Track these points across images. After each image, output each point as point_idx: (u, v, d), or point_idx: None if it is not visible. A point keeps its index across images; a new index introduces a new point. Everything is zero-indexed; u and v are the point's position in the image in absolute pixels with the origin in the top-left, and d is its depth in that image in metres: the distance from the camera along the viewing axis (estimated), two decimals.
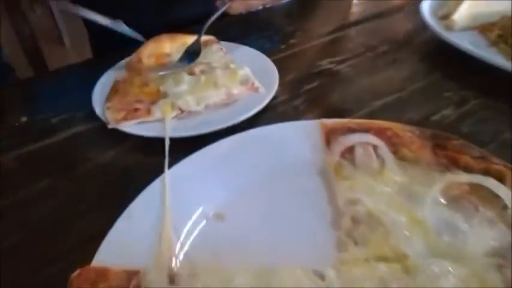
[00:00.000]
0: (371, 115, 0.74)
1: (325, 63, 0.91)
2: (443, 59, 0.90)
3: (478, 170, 0.52)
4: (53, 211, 0.58)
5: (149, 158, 0.65)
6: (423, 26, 0.94)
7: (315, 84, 0.84)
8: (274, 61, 0.86)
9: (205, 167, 0.58)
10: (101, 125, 0.71)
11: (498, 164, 0.52)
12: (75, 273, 0.42)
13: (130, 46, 0.89)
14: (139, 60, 0.80)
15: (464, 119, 0.73)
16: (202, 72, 0.80)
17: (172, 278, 0.42)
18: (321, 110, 0.76)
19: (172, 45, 0.85)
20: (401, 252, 0.44)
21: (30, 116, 0.78)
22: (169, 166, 0.58)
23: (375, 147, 0.57)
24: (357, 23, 1.10)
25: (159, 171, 0.57)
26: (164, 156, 0.61)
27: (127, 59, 0.81)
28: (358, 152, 0.57)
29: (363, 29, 1.06)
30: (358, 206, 0.49)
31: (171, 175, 0.56)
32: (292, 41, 1.02)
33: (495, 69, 0.78)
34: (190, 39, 0.88)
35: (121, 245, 0.47)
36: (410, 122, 0.71)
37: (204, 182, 0.56)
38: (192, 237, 0.50)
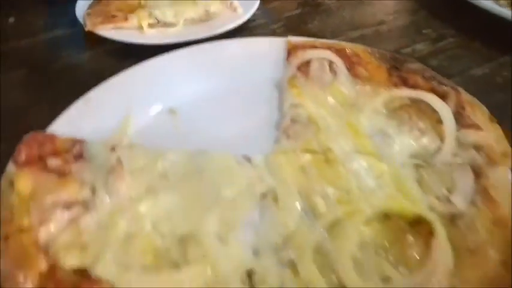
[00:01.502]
0: None
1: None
2: None
3: (425, 88, 0.53)
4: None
5: (121, 63, 0.68)
6: None
7: (296, 12, 0.85)
8: None
9: (170, 68, 0.60)
10: (82, 30, 0.73)
11: (446, 85, 0.54)
12: (26, 136, 0.46)
13: None
14: None
15: (436, 54, 0.73)
16: None
17: (113, 148, 0.45)
18: (297, 36, 0.76)
19: None
20: (327, 147, 0.46)
21: (17, 17, 0.81)
22: None
23: (331, 63, 0.58)
24: None
25: None
26: (135, 63, 0.64)
27: None
28: (314, 65, 0.58)
29: None
30: (300, 109, 0.52)
31: (136, 70, 0.59)
32: None
33: (480, 11, 0.76)
34: None
35: (74, 124, 0.50)
36: None
37: (165, 82, 0.59)
38: (142, 126, 0.53)
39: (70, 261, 0.35)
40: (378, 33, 0.78)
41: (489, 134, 0.47)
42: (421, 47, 0.75)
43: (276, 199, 0.41)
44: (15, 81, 0.65)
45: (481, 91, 0.64)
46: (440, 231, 0.37)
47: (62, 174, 0.42)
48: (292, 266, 0.36)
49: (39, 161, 0.44)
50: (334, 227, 0.39)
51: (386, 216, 0.40)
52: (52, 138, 0.46)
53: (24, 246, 0.36)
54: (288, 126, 0.50)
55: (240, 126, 0.53)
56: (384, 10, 0.86)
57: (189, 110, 0.56)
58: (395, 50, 0.73)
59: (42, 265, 0.35)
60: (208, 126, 0.53)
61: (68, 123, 0.50)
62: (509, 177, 0.43)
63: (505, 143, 0.47)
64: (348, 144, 0.47)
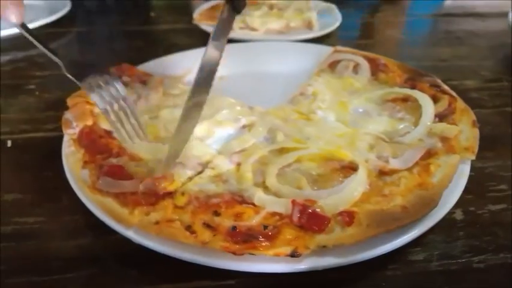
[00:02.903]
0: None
1: (393, 33, 1.01)
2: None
3: (427, 93, 0.60)
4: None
5: None
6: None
7: (367, 41, 0.96)
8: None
9: (234, 51, 0.79)
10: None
11: (446, 93, 0.59)
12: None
13: None
14: None
15: (480, 90, 0.76)
16: (280, 9, 1.00)
17: (161, 80, 0.65)
18: None
19: None
20: (313, 112, 0.57)
21: (157, 14, 1.12)
22: None
23: (357, 65, 0.69)
24: None
25: None
26: None
27: None
28: (341, 64, 0.69)
29: None
30: (310, 87, 0.63)
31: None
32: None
33: None
34: None
35: (154, 66, 0.72)
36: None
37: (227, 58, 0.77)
38: None
39: (104, 125, 0.54)
40: (433, 67, 0.84)
41: (460, 130, 0.52)
42: (469, 82, 0.78)
43: (251, 129, 0.54)
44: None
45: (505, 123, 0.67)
46: (361, 172, 0.45)
47: (125, 85, 0.63)
48: (238, 165, 0.48)
49: (119, 78, 0.65)
50: (280, 152, 0.49)
51: (327, 159, 0.48)
52: (132, 68, 0.68)
53: (84, 109, 0.56)
54: (295, 96, 0.63)
55: (265, 95, 0.66)
56: (453, 53, 0.91)
57: (234, 79, 0.73)
58: (442, 80, 0.78)
59: (89, 122, 0.54)
60: (244, 91, 0.68)
61: (152, 66, 0.72)
62: (457, 162, 0.47)
63: (474, 142, 0.51)
64: (332, 114, 0.57)
